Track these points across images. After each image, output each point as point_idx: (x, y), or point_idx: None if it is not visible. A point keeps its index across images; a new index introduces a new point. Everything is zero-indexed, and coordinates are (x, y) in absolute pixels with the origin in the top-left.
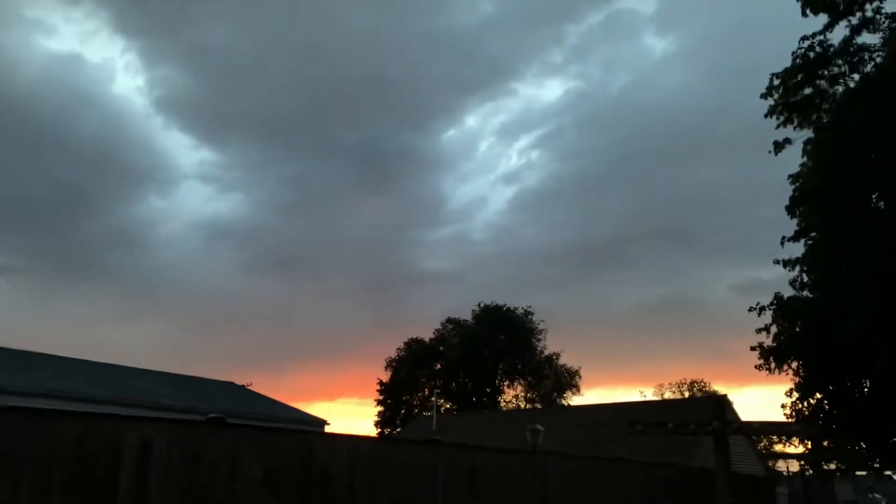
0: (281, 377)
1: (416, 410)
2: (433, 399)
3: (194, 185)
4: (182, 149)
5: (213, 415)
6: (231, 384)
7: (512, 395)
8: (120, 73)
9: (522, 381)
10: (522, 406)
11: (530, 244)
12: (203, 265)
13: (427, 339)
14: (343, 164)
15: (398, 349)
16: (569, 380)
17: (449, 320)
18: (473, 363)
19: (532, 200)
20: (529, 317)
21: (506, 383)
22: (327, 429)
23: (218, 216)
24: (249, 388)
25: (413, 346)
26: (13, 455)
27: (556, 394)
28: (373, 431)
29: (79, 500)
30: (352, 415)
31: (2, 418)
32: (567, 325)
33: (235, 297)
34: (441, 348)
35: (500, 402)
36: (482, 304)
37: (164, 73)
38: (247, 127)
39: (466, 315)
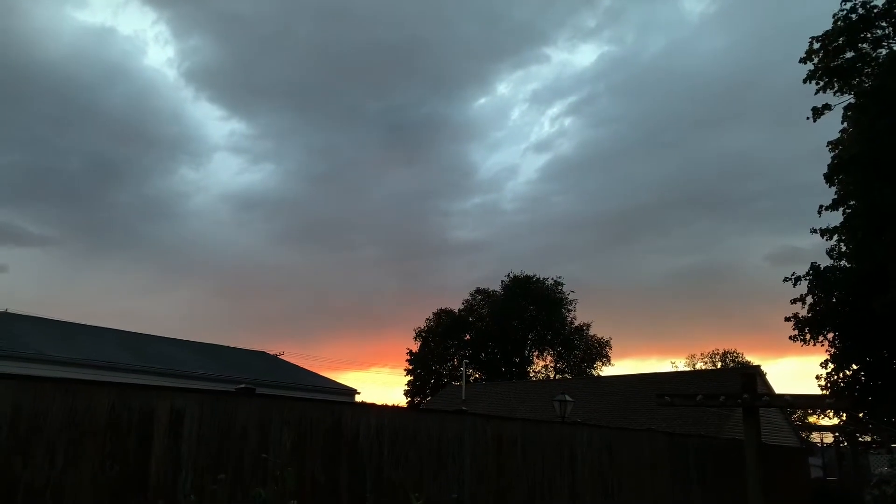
0: (312, 347)
1: (446, 380)
2: (462, 369)
3: (225, 157)
4: (212, 120)
5: (243, 385)
6: (262, 354)
7: (541, 366)
8: (150, 44)
9: (552, 352)
10: (552, 377)
11: (561, 213)
12: (234, 236)
13: (456, 310)
14: (371, 132)
15: (427, 319)
16: (599, 350)
17: (478, 291)
18: (503, 333)
19: (564, 169)
20: (559, 287)
21: (535, 354)
22: (357, 398)
23: (249, 187)
24: (281, 357)
25: (442, 316)
26: (48, 425)
27: (585, 364)
28: (403, 401)
29: (112, 469)
30: (383, 384)
31: (37, 388)
32: (598, 295)
33: (266, 267)
34: (470, 319)
35: (529, 372)
36: (511, 275)
37: (193, 44)
38: (275, 96)
39: (496, 286)
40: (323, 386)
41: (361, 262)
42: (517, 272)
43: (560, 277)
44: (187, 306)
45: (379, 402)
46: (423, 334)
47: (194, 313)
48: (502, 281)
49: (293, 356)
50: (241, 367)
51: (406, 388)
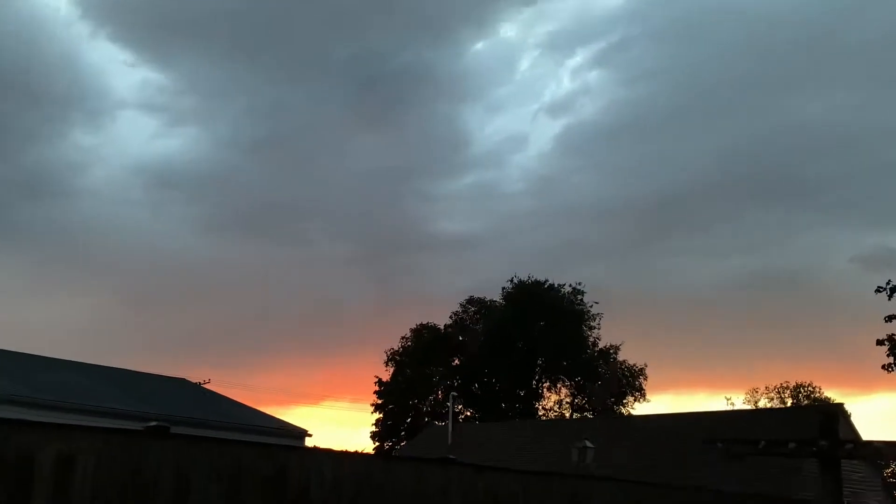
0: (250, 374)
1: (427, 419)
2: (449, 404)
3: (133, 117)
4: (116, 66)
5: (154, 423)
6: (182, 382)
7: (554, 401)
8: None
9: (568, 383)
10: (567, 415)
11: (583, 198)
12: (147, 222)
13: (442, 326)
14: (334, 88)
15: (404, 338)
16: (630, 381)
17: (471, 301)
18: (503, 357)
19: (587, 138)
20: (579, 297)
21: (546, 385)
22: (308, 442)
23: (166, 158)
24: (205, 386)
25: (423, 333)
26: None
27: (612, 399)
28: (369, 445)
29: None
30: (341, 423)
31: None
32: (630, 308)
33: (191, 267)
34: (461, 338)
35: (538, 409)
36: (516, 280)
37: None
38: (202, 35)
39: (494, 294)
40: (263, 426)
41: (318, 261)
42: (523, 276)
43: (580, 284)
44: (82, 317)
45: (337, 448)
46: (398, 357)
47: (92, 326)
48: (503, 288)
49: (224, 386)
50: (153, 398)
51: (374, 428)
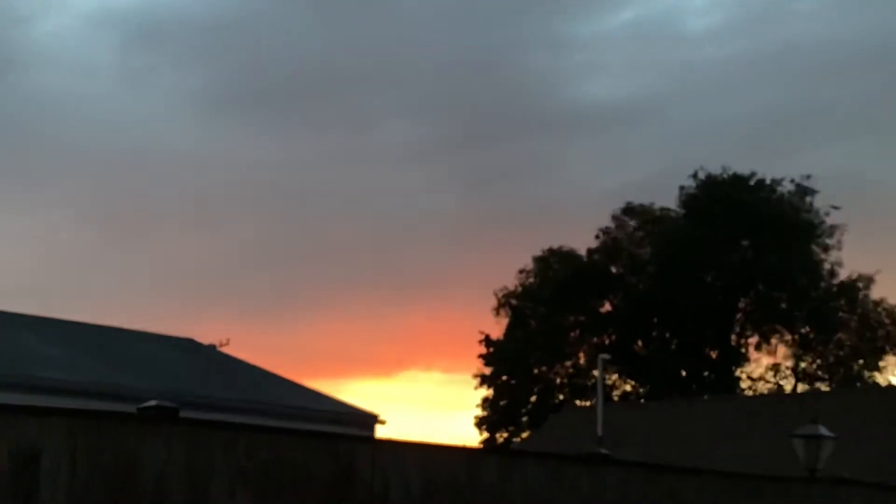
0: (283, 331)
1: (561, 396)
2: (596, 373)
3: None
4: None
5: (153, 402)
6: (190, 343)
7: (767, 366)
8: None
9: (789, 337)
10: (788, 388)
11: (813, 38)
12: (124, 101)
13: (583, 252)
14: None
15: (522, 273)
16: (892, 332)
17: (629, 210)
18: (682, 299)
19: None
20: (807, 200)
21: (753, 341)
22: (381, 431)
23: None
24: (223, 349)
25: (553, 264)
26: None
27: (860, 362)
28: (472, 437)
29: None
30: (429, 403)
31: None
32: (891, 217)
33: (187, 166)
34: (613, 270)
35: (739, 378)
36: (702, 175)
37: None
38: None
39: (667, 198)
40: (312, 408)
41: (381, 154)
42: (713, 169)
43: (808, 179)
44: (31, 245)
45: (424, 440)
46: (514, 303)
47: (46, 261)
48: (681, 189)
49: (249, 349)
50: (149, 369)
51: (479, 411)
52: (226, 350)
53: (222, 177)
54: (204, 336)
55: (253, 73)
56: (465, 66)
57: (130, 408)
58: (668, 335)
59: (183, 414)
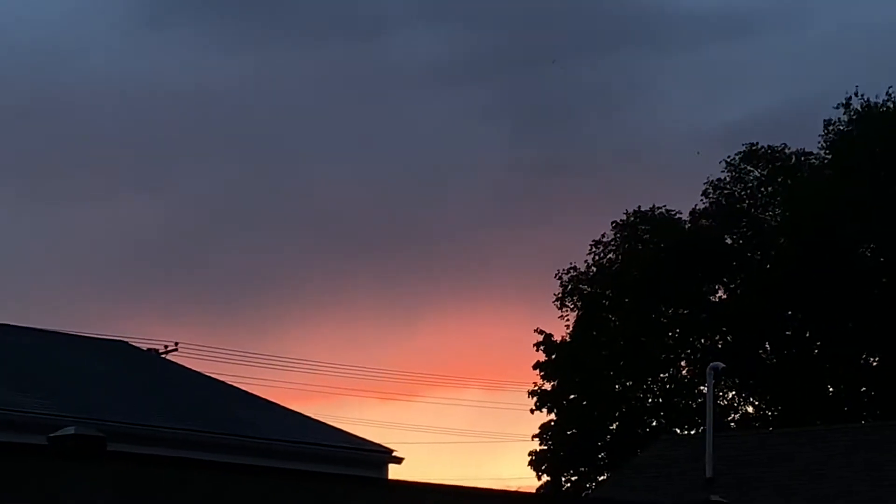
0: (259, 332)
1: (655, 421)
2: (704, 389)
3: None
4: None
5: (71, 429)
6: (122, 348)
7: None
8: None
9: None
10: None
11: None
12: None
13: (684, 215)
14: None
15: (596, 245)
16: None
17: (752, 155)
18: (828, 285)
19: None
20: None
21: None
22: (394, 471)
23: None
24: (169, 357)
25: (641, 233)
26: None
27: None
28: (528, 482)
29: None
30: (465, 432)
31: None
32: None
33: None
34: (727, 240)
35: None
36: (857, 102)
37: None
38: None
39: (804, 138)
40: (297, 440)
41: (398, 78)
42: (872, 95)
43: None
44: None
45: (452, 482)
46: (585, 288)
47: None
48: (827, 123)
49: (208, 358)
50: (65, 385)
51: (536, 445)
52: (172, 358)
53: (165, 112)
54: (142, 339)
55: None
56: None
57: (40, 439)
58: (808, 335)
59: (112, 446)
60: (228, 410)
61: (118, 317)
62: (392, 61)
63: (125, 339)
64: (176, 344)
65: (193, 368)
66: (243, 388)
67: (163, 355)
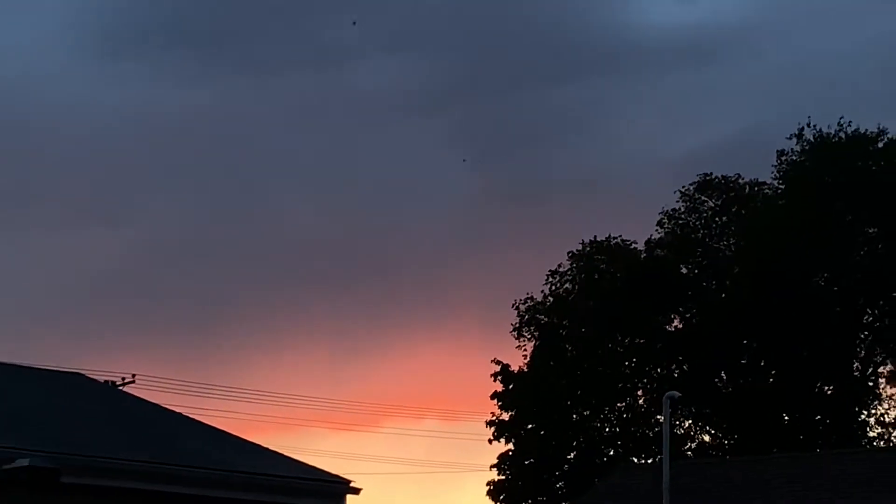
0: (215, 364)
1: (611, 450)
2: (661, 418)
3: None
4: None
5: (25, 461)
6: (78, 380)
7: None
8: None
9: None
10: None
11: None
12: None
13: (639, 245)
14: None
15: (552, 275)
16: None
17: (706, 185)
18: (782, 313)
19: None
20: None
21: (885, 370)
22: (352, 503)
23: None
24: (125, 389)
25: (597, 262)
26: None
27: None
28: None
29: None
30: (423, 462)
31: None
32: None
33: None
34: (683, 269)
35: (867, 423)
36: (811, 131)
37: None
38: None
39: (759, 168)
40: (253, 471)
41: (358, 107)
42: (826, 123)
43: None
44: None
45: None
46: (542, 318)
47: None
48: (780, 154)
49: (165, 390)
50: (18, 416)
51: (494, 475)
52: (130, 390)
53: (124, 144)
54: (99, 371)
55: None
56: None
57: None
58: (763, 364)
59: (67, 479)
60: (186, 442)
61: (75, 349)
62: (351, 91)
63: (81, 372)
64: (133, 376)
65: (151, 400)
66: (201, 419)
67: (120, 387)
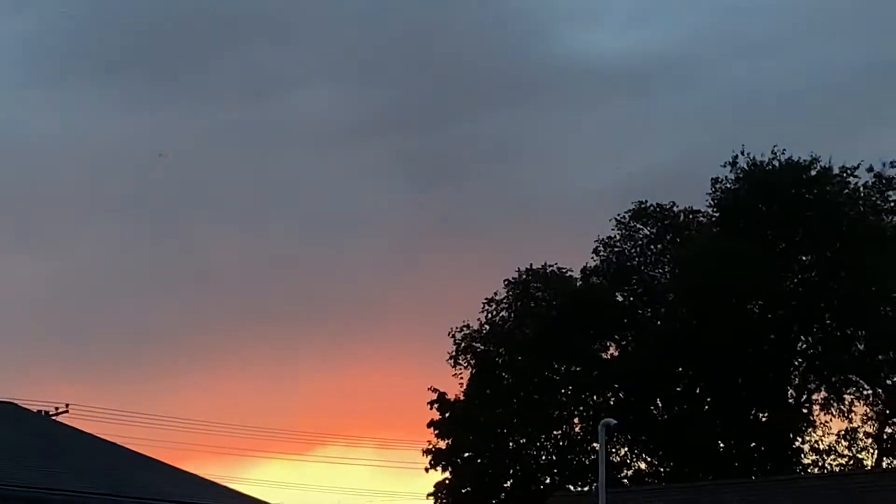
0: (150, 392)
1: (547, 478)
2: (597, 445)
3: None
4: None
5: None
6: (8, 410)
7: (838, 432)
8: None
9: (869, 390)
10: (869, 463)
11: None
12: None
13: (575, 273)
14: None
15: (488, 303)
16: None
17: (641, 213)
18: (717, 341)
19: None
20: (890, 196)
21: (818, 397)
22: None
23: None
24: (58, 419)
25: (533, 291)
26: None
27: None
28: None
29: None
30: (359, 490)
31: None
32: None
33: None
34: (619, 297)
35: (802, 450)
36: (744, 161)
37: None
38: None
39: (693, 197)
40: (189, 500)
41: (294, 136)
42: (760, 154)
43: (894, 165)
44: None
45: None
46: (478, 346)
47: None
48: (715, 182)
49: (100, 419)
50: None
51: (432, 503)
52: (63, 420)
53: (57, 171)
54: (31, 400)
55: (105, 24)
56: (411, 10)
57: None
58: (698, 391)
59: None
60: (121, 472)
61: (6, 378)
62: (287, 120)
63: (14, 401)
64: (67, 405)
65: (85, 430)
66: (136, 448)
67: (53, 417)
